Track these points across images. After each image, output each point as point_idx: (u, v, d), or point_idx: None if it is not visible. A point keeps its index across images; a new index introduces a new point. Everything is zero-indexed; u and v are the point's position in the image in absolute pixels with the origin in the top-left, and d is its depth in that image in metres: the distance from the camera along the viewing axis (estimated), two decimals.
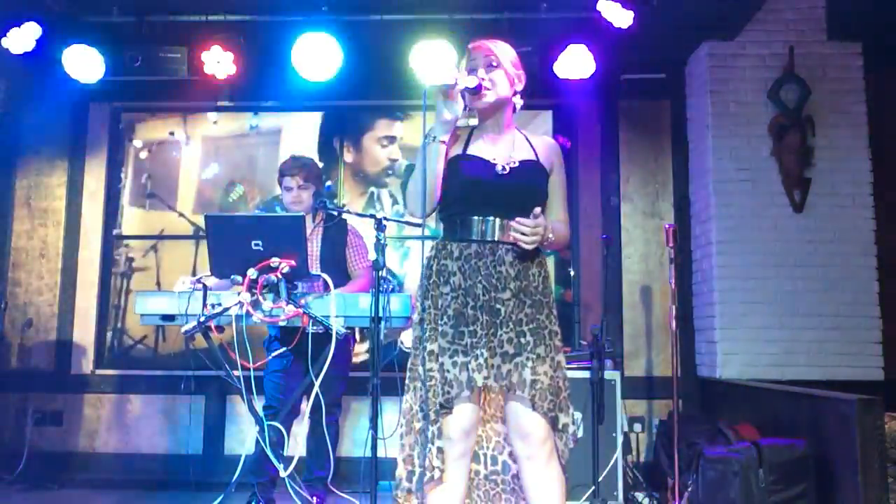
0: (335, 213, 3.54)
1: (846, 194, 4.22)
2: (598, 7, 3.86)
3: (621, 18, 3.84)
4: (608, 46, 4.18)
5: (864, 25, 4.23)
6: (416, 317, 2.21)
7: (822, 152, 4.24)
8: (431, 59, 4.18)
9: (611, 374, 3.82)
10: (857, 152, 4.25)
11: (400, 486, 2.15)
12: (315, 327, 2.85)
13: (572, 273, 4.74)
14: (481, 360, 2.07)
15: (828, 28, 4.32)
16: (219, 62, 4.28)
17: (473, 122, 2.24)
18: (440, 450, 2.07)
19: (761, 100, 4.29)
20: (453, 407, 2.08)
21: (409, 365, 2.21)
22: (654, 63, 4.68)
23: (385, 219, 2.79)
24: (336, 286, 2.95)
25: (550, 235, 2.16)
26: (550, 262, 4.62)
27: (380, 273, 2.65)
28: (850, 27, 4.26)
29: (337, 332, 2.79)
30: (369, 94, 4.86)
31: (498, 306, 2.12)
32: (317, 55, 4.19)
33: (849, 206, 4.21)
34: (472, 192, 2.17)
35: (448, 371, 2.08)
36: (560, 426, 2.14)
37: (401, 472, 2.15)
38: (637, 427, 4.47)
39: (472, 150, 2.23)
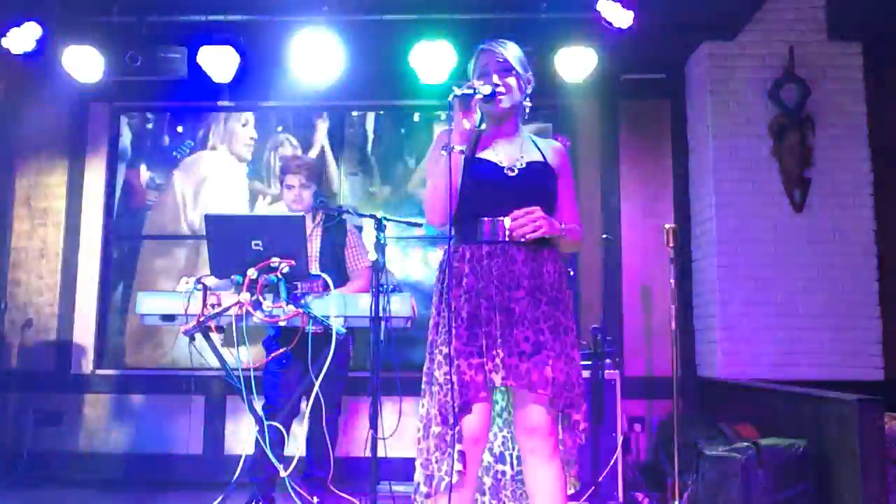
0: (335, 212, 3.54)
1: (846, 194, 4.22)
2: (598, 7, 3.86)
3: (621, 18, 3.84)
4: (608, 46, 4.18)
5: (864, 25, 4.23)
6: (431, 321, 2.22)
7: (822, 152, 4.24)
8: (431, 59, 4.18)
9: (611, 374, 3.82)
10: (857, 152, 4.25)
11: (418, 490, 2.15)
12: (315, 327, 2.85)
13: (572, 273, 4.74)
14: (498, 361, 2.08)
15: (828, 28, 4.32)
16: (219, 62, 4.29)
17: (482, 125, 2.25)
18: (461, 453, 2.07)
19: (761, 100, 4.29)
20: (471, 409, 2.09)
21: (424, 370, 2.21)
22: (654, 63, 4.68)
23: (385, 218, 2.79)
24: (336, 286, 2.95)
25: (562, 227, 2.18)
26: None
27: (380, 273, 2.65)
28: (850, 27, 4.26)
29: (337, 332, 2.79)
30: (369, 94, 4.87)
31: (512, 305, 2.12)
32: (317, 55, 4.19)
33: (849, 206, 4.21)
34: (481, 194, 2.17)
35: (465, 373, 2.08)
36: (571, 422, 2.15)
37: (419, 476, 2.15)
38: (637, 427, 4.47)
39: (480, 154, 2.24)
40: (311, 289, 3.10)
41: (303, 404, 3.43)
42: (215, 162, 4.97)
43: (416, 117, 4.95)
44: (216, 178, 4.95)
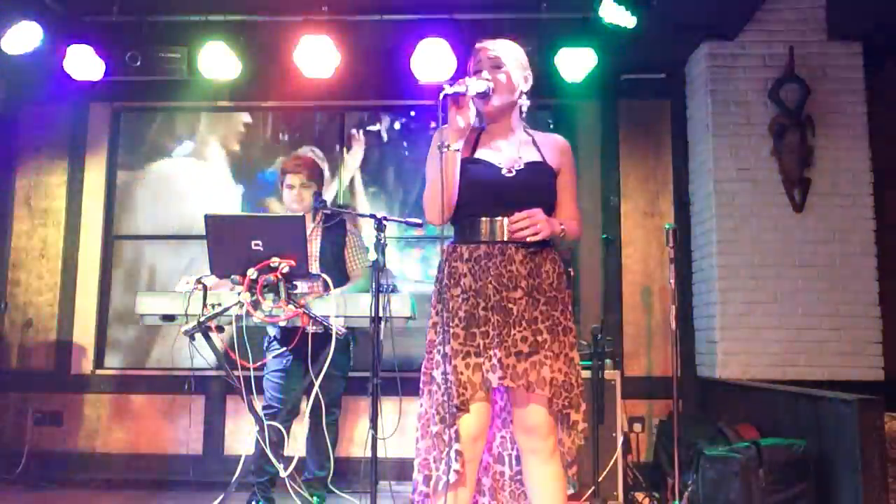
0: (335, 212, 3.54)
1: (846, 194, 4.22)
2: (599, 7, 3.86)
3: (622, 19, 3.84)
4: (608, 46, 4.18)
5: (864, 25, 4.23)
6: (429, 321, 2.22)
7: (822, 152, 4.24)
8: (431, 59, 4.18)
9: (611, 374, 3.82)
10: (857, 152, 4.25)
11: (417, 490, 2.14)
12: (315, 327, 2.85)
13: (572, 273, 4.73)
14: (495, 361, 2.07)
15: (828, 28, 4.32)
16: (219, 62, 4.28)
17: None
18: (458, 453, 2.06)
19: (761, 100, 4.29)
20: (469, 409, 2.09)
21: (422, 369, 2.20)
22: (654, 63, 4.68)
23: (385, 218, 2.79)
24: (336, 286, 2.95)
25: (561, 227, 2.17)
26: None
27: (380, 273, 2.65)
28: (850, 27, 4.26)
29: (336, 332, 2.79)
30: (368, 94, 4.87)
31: (510, 305, 2.12)
32: (316, 55, 4.19)
33: (849, 206, 4.21)
34: (479, 195, 2.17)
35: (462, 373, 2.08)
36: (570, 423, 2.15)
37: (417, 476, 2.15)
38: (637, 427, 4.47)
39: (478, 154, 2.24)
40: (311, 289, 3.10)
41: (303, 404, 3.43)
42: (208, 163, 4.98)
43: (416, 117, 4.95)
44: (208, 178, 4.95)
